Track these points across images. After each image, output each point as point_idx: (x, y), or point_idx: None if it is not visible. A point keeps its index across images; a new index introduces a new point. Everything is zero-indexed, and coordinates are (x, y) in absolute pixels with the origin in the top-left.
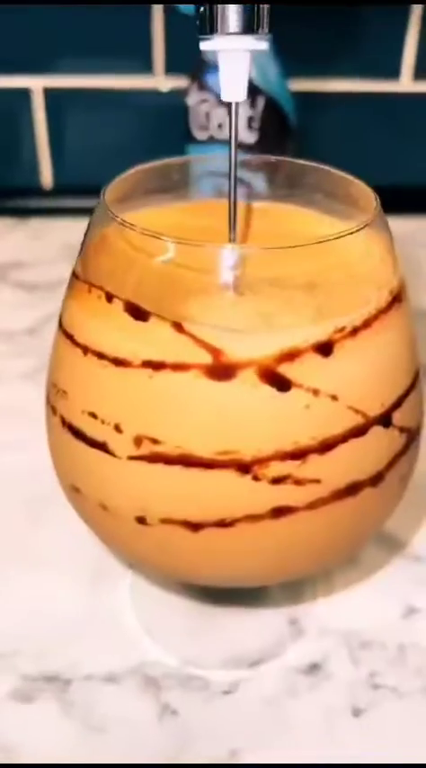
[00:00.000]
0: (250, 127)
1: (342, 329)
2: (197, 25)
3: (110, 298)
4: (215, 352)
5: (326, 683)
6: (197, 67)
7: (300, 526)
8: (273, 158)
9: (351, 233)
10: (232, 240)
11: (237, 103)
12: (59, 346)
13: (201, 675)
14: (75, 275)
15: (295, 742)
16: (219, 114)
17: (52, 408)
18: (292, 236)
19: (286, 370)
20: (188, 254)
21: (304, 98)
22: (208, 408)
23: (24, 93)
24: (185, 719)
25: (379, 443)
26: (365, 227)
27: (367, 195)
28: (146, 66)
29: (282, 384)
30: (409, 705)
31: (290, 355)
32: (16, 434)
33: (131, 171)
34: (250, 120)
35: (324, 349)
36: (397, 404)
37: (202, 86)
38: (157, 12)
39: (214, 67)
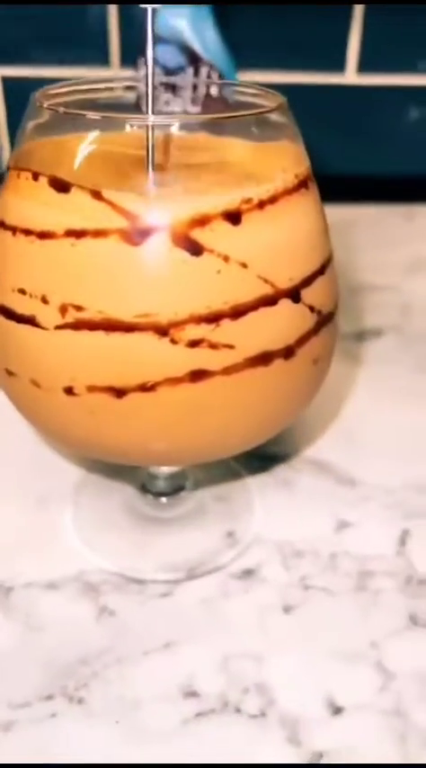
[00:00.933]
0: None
1: (249, 200)
2: None
3: (36, 176)
4: (131, 217)
5: (259, 586)
6: (144, 42)
7: (216, 391)
8: (194, 80)
9: (255, 114)
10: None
11: (154, 9)
12: None
13: (139, 579)
14: (7, 167)
15: (228, 636)
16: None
17: None
18: (204, 147)
19: (198, 235)
20: (107, 130)
21: None
22: (126, 273)
23: None
24: (122, 619)
25: (289, 317)
26: (269, 111)
27: (278, 98)
28: (102, 58)
29: (194, 248)
30: (338, 601)
31: (201, 221)
32: None
33: (62, 83)
34: (194, 86)
35: (233, 217)
36: (306, 282)
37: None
38: (113, 5)
39: (160, 42)
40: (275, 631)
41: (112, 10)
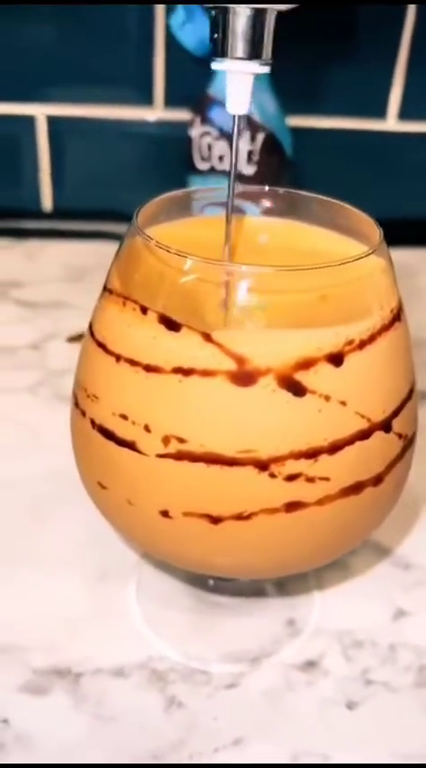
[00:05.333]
0: (250, 160)
1: (351, 342)
2: (210, 48)
3: (144, 310)
4: (239, 360)
5: (322, 679)
6: (200, 103)
7: (310, 520)
8: (281, 190)
9: (361, 257)
10: (225, 250)
11: (240, 116)
12: (90, 354)
13: (205, 670)
14: (108, 290)
15: (294, 732)
16: (220, 147)
17: (81, 412)
18: (298, 250)
19: (302, 377)
20: (214, 270)
21: (298, 134)
22: (232, 411)
23: (29, 121)
24: (191, 711)
25: (381, 447)
26: (373, 252)
27: (368, 224)
28: (146, 98)
29: (298, 390)
30: (400, 699)
31: (306, 364)
32: (21, 442)
33: (157, 198)
34: (250, 153)
35: (336, 359)
36: (397, 412)
37: (205, 120)
38: (159, 46)
39: (218, 103)
40: (339, 728)
41: (159, 49)
